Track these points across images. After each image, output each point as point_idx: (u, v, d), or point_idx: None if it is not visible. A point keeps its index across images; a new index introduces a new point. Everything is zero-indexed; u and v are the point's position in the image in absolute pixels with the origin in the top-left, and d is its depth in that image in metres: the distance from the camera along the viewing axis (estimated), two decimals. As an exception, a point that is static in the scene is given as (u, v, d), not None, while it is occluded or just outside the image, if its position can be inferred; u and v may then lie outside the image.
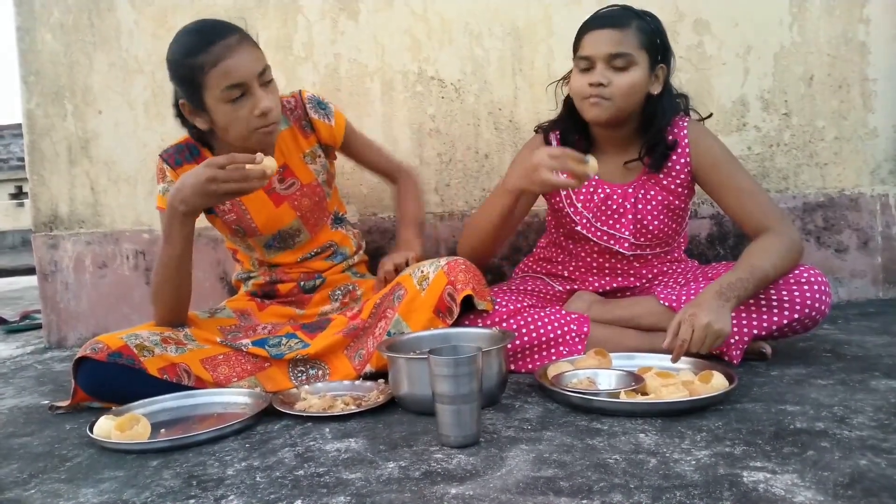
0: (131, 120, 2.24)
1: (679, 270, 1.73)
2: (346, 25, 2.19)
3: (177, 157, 1.63)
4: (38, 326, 2.50)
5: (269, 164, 1.38)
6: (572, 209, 1.66)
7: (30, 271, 4.71)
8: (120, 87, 2.23)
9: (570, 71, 1.62)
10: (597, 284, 1.73)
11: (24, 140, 2.28)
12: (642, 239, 1.65)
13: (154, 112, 2.23)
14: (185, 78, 1.46)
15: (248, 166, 1.35)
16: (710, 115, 1.73)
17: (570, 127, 1.65)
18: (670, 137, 1.60)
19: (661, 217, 1.64)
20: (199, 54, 1.42)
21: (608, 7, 1.58)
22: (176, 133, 2.20)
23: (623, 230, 1.64)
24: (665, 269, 1.73)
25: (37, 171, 2.27)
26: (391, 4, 2.18)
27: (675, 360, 1.34)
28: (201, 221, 2.27)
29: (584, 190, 1.65)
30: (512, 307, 1.58)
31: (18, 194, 11.81)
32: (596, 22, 1.54)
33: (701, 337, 1.30)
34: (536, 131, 1.75)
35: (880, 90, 2.21)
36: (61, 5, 2.21)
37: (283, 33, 2.20)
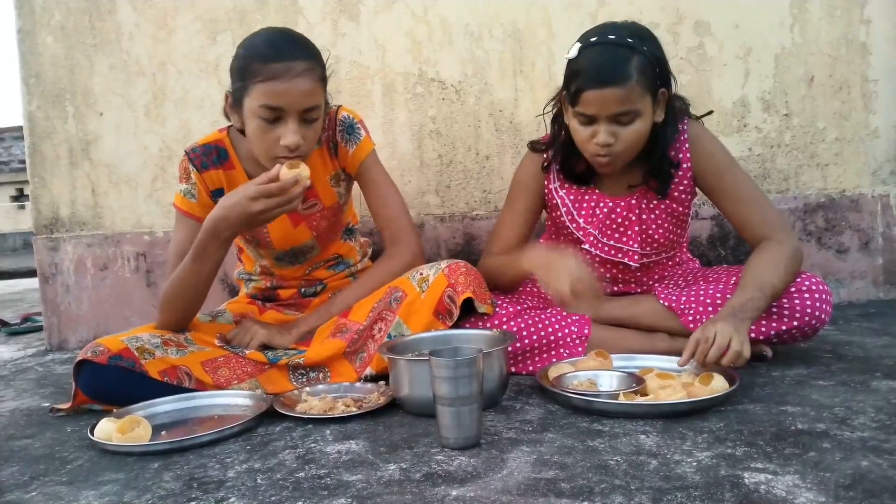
0: (132, 122, 2.24)
1: (680, 273, 1.73)
2: (347, 27, 2.19)
3: (203, 160, 1.57)
4: (39, 329, 2.50)
5: (303, 172, 1.36)
6: (574, 225, 1.64)
7: (31, 273, 4.72)
8: (121, 90, 2.23)
9: (560, 95, 1.56)
10: (598, 287, 1.72)
11: (25, 142, 2.28)
12: (648, 249, 1.64)
13: (155, 114, 2.24)
14: (237, 72, 1.43)
15: (282, 177, 1.36)
16: (711, 112, 1.69)
17: (570, 153, 1.58)
18: (673, 154, 1.56)
19: (666, 225, 1.63)
20: (258, 61, 1.38)
21: (599, 43, 1.44)
22: (177, 135, 2.23)
23: (630, 243, 1.62)
24: (667, 273, 1.73)
25: (38, 173, 2.27)
26: (391, 6, 2.19)
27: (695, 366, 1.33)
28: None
29: (584, 206, 1.63)
30: (512, 309, 1.58)
31: (19, 196, 11.81)
32: (594, 79, 1.41)
33: (732, 359, 1.28)
34: (532, 149, 1.68)
35: (881, 91, 2.21)
36: (62, 8, 2.22)
37: (284, 35, 2.20)
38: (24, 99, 2.25)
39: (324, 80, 1.46)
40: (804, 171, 2.24)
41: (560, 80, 2.26)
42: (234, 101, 1.46)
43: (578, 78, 1.44)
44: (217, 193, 1.56)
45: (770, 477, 0.93)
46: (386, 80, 2.21)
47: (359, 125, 1.62)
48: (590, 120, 1.45)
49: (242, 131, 1.50)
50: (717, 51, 2.19)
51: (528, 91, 2.20)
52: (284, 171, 1.36)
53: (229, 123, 1.60)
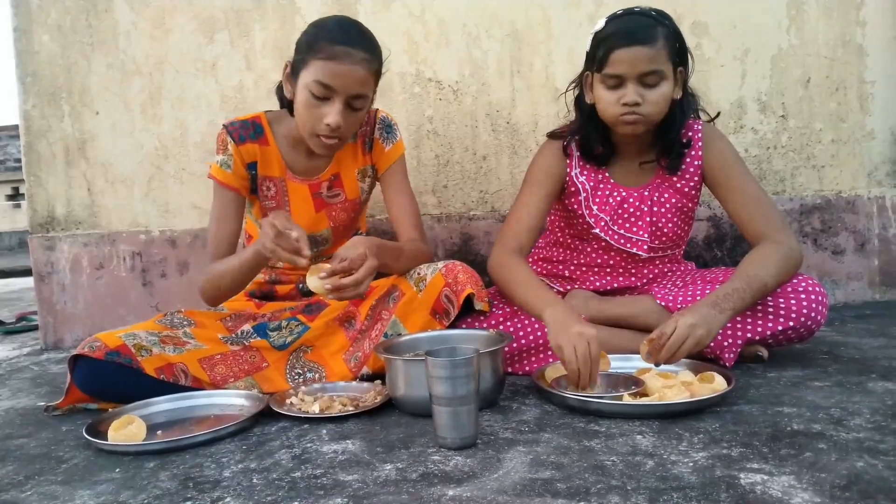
0: (128, 121, 2.24)
1: (678, 272, 1.74)
2: (344, 27, 2.19)
3: (241, 133, 1.61)
4: (35, 328, 2.49)
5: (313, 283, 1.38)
6: (588, 211, 1.65)
7: (26, 272, 4.70)
8: (117, 88, 2.23)
9: (581, 78, 1.59)
10: (598, 284, 1.73)
11: (20, 141, 2.27)
12: (657, 242, 1.65)
13: (151, 113, 2.23)
14: (303, 45, 1.49)
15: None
16: (718, 115, 1.71)
17: (590, 134, 1.61)
18: (685, 138, 1.60)
19: (675, 220, 1.65)
20: (326, 41, 1.45)
21: (626, 14, 1.51)
22: (173, 134, 2.22)
23: (641, 233, 1.64)
24: (665, 270, 1.73)
25: (33, 172, 2.26)
26: (389, 6, 2.18)
27: (651, 358, 1.34)
28: (200, 221, 2.27)
29: (599, 194, 1.64)
30: (509, 309, 1.58)
31: (15, 195, 11.81)
32: (624, 39, 1.46)
33: (682, 336, 1.29)
34: (552, 136, 1.69)
35: (877, 93, 2.22)
36: (59, 6, 2.21)
37: (282, 34, 2.20)
38: (20, 97, 2.24)
39: (377, 74, 1.53)
40: (800, 173, 2.24)
41: (559, 81, 2.28)
42: (293, 72, 1.52)
43: (607, 41, 1.49)
44: (251, 167, 1.62)
45: (766, 477, 0.93)
46: (383, 79, 2.19)
47: (395, 127, 1.70)
48: (618, 82, 1.49)
49: (288, 106, 1.56)
50: (715, 51, 2.19)
51: (526, 91, 2.20)
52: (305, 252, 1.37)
53: (239, 118, 1.64)
